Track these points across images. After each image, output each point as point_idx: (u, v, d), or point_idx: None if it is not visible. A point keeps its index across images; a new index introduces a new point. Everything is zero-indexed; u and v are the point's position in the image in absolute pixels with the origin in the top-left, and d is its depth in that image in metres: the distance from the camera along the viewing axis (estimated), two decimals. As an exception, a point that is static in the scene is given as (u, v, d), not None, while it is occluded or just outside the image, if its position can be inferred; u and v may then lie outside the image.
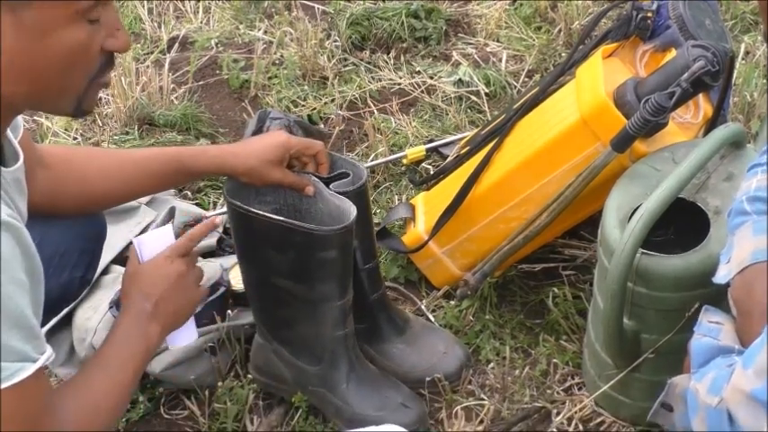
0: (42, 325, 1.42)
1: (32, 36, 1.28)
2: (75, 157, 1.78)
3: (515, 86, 2.95)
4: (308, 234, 1.80)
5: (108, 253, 2.11)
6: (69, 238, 1.80)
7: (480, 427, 1.94)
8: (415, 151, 2.64)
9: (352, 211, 1.81)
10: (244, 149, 1.87)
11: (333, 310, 1.89)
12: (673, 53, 2.04)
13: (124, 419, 2.02)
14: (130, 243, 2.02)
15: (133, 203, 2.32)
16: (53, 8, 1.28)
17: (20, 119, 1.54)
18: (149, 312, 1.57)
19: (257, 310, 2.01)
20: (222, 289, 2.09)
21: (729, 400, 1.29)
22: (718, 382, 1.32)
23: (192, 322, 1.70)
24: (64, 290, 1.83)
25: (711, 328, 1.43)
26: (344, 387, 1.94)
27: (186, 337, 1.70)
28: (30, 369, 1.29)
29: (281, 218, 1.82)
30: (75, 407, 1.42)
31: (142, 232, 2.27)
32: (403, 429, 1.90)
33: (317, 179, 1.90)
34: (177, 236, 1.67)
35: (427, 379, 2.03)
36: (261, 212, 1.83)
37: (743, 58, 2.93)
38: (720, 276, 1.46)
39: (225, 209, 2.35)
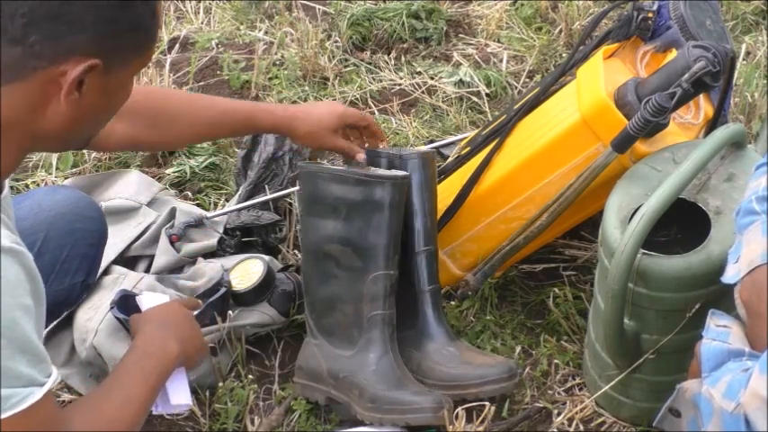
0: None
1: (112, 93, 1.31)
2: (151, 100, 1.85)
3: (516, 87, 2.95)
4: (366, 181, 1.95)
5: (109, 254, 2.11)
6: (70, 243, 1.80)
7: (481, 428, 1.93)
8: (415, 152, 2.64)
9: (407, 173, 1.99)
10: (307, 115, 2.00)
11: (377, 280, 1.93)
12: (673, 54, 2.04)
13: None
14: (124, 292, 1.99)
15: (133, 204, 2.32)
16: (137, 66, 1.31)
17: None
18: (168, 333, 1.61)
19: (308, 297, 2.05)
20: (223, 289, 2.08)
21: (747, 405, 1.28)
22: (734, 386, 1.32)
23: (185, 382, 1.68)
24: (65, 295, 1.84)
25: (720, 332, 1.42)
26: (372, 369, 1.94)
27: (181, 396, 1.66)
28: (38, 394, 1.30)
29: (342, 168, 2.03)
30: (89, 423, 1.42)
31: (138, 237, 2.26)
32: (403, 430, 1.90)
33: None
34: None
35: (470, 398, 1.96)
36: (326, 166, 2.07)
37: (744, 59, 2.93)
38: (729, 276, 1.45)
39: (225, 209, 2.36)
